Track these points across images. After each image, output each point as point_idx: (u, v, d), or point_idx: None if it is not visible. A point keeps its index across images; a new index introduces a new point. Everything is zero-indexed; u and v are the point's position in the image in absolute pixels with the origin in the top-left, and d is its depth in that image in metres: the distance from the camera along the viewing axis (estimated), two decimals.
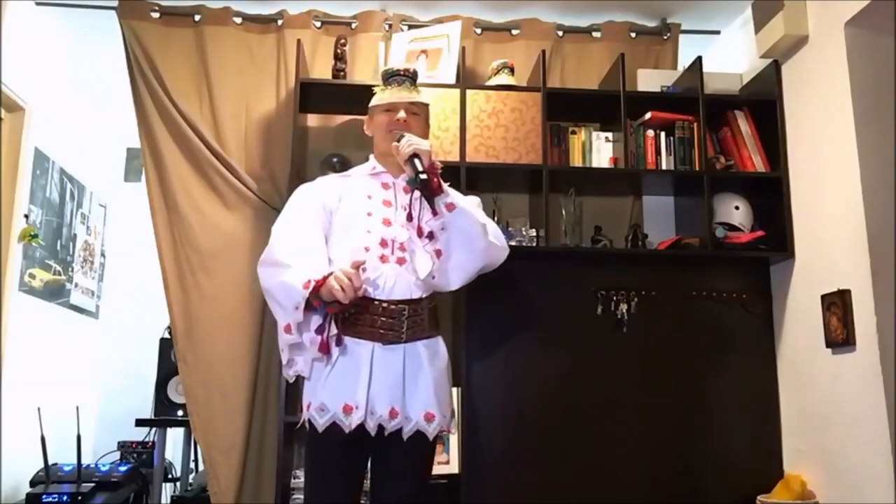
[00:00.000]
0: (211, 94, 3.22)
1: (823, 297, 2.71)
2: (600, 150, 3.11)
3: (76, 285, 3.98)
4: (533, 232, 3.01)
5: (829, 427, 2.70)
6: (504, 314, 3.00)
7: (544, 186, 2.94)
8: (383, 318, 2.00)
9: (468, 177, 2.93)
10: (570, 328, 3.01)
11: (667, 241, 3.09)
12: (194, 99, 3.21)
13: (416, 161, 1.97)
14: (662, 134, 3.10)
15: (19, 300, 3.33)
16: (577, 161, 3.11)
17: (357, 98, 2.86)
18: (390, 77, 2.22)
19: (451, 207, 1.99)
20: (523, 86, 3.16)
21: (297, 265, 1.96)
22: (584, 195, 3.20)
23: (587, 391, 2.97)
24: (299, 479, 2.81)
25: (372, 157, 2.25)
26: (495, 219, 3.08)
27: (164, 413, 3.28)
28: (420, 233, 2.03)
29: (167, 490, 3.52)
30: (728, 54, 3.51)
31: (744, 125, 3.13)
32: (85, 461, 3.20)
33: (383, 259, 2.03)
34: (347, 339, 1.99)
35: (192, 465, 3.59)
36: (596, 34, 3.47)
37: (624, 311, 3.01)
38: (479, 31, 3.44)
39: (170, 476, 3.57)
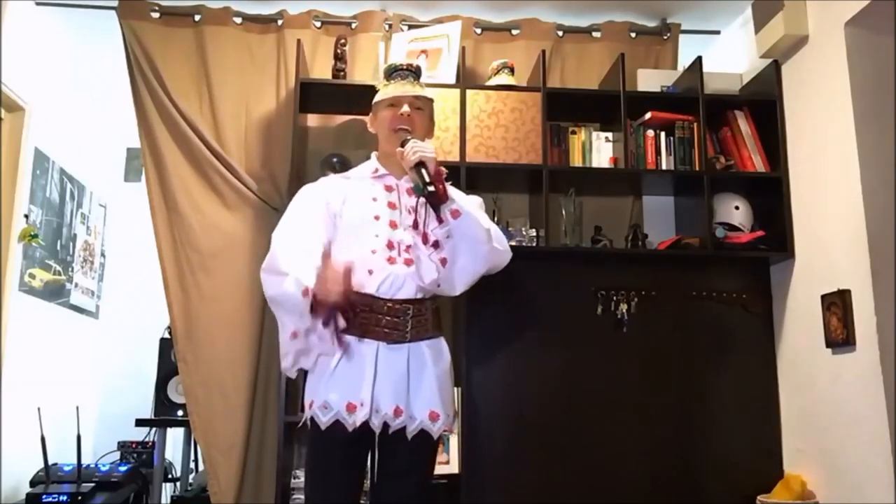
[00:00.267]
0: (211, 94, 3.22)
1: (823, 297, 2.71)
2: (600, 150, 3.11)
3: (76, 285, 3.98)
4: (533, 232, 3.01)
5: (829, 427, 2.70)
6: (504, 314, 3.00)
7: (544, 186, 2.95)
8: (388, 318, 2.00)
9: (468, 177, 2.93)
10: (570, 328, 3.01)
11: (667, 241, 3.09)
12: (194, 99, 3.21)
13: (423, 171, 1.96)
14: (662, 134, 3.10)
15: (19, 300, 3.33)
16: (577, 161, 3.11)
17: (357, 98, 2.88)
18: (393, 72, 2.20)
19: (456, 214, 1.99)
20: (523, 86, 3.16)
21: (296, 272, 1.92)
22: (584, 195, 3.20)
23: (587, 391, 2.97)
24: (299, 479, 2.81)
25: (374, 155, 2.23)
26: (495, 219, 3.08)
27: (164, 413, 3.28)
28: (426, 240, 2.02)
29: (167, 490, 3.52)
30: (728, 54, 3.51)
31: (744, 125, 3.13)
32: (85, 461, 3.20)
33: (391, 261, 2.02)
34: (352, 338, 1.99)
35: (192, 465, 3.59)
36: (596, 34, 3.47)
37: (624, 311, 3.01)
38: (479, 31, 3.44)
39: (170, 476, 3.57)
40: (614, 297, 3.02)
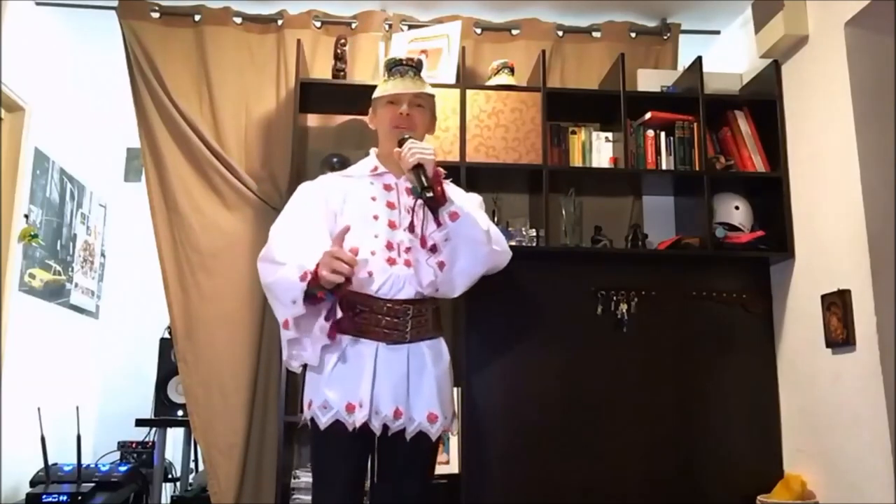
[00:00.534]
0: (211, 94, 3.22)
1: (823, 297, 2.71)
2: (600, 150, 3.11)
3: (76, 285, 3.98)
4: (533, 232, 3.01)
5: (829, 427, 2.70)
6: (504, 314, 3.00)
7: (544, 186, 2.95)
8: (388, 318, 1.99)
9: (468, 177, 2.93)
10: (570, 328, 3.01)
11: (667, 241, 3.09)
12: (194, 99, 3.21)
13: (421, 174, 1.92)
14: (662, 134, 3.10)
15: (19, 300, 3.33)
16: (577, 161, 3.11)
17: (357, 98, 2.88)
18: (394, 66, 2.16)
19: (454, 217, 1.95)
20: (523, 86, 3.16)
21: (294, 261, 1.92)
22: (584, 195, 3.20)
23: (587, 391, 2.97)
24: (299, 479, 2.81)
25: (373, 152, 2.21)
26: (495, 219, 3.08)
27: (164, 413, 3.28)
28: (423, 243, 1.98)
29: (167, 490, 3.53)
30: (728, 54, 3.51)
31: (744, 125, 3.13)
32: (85, 461, 3.20)
33: (391, 262, 2.01)
34: (352, 339, 1.98)
35: (192, 465, 3.59)
36: (596, 34, 3.47)
37: (624, 311, 3.01)
38: (479, 31, 3.44)
39: (170, 476, 3.57)
40: (614, 297, 3.02)
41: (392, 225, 2.06)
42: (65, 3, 3.36)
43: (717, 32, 3.57)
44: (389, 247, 2.03)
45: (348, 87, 3.08)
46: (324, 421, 1.95)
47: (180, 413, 3.23)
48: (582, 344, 3.00)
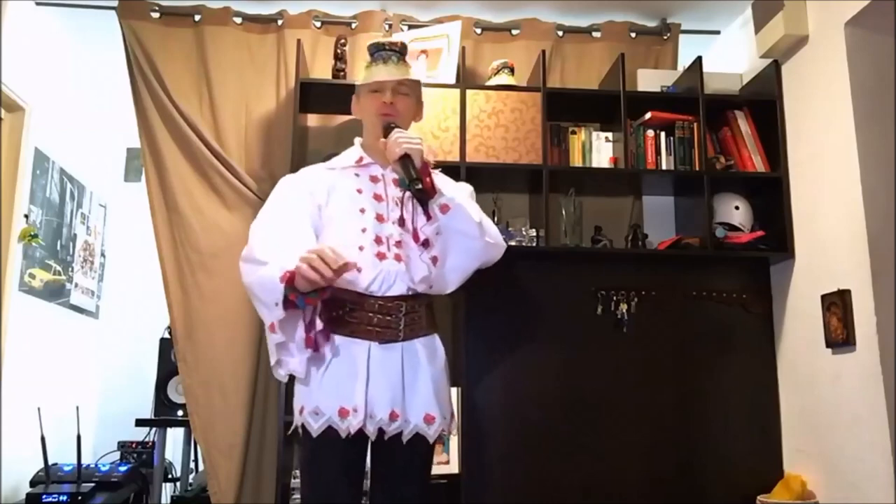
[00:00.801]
0: (211, 94, 3.22)
1: (823, 297, 2.71)
2: (600, 150, 3.11)
3: (76, 285, 3.98)
4: (533, 232, 3.01)
5: (829, 427, 2.70)
6: (504, 314, 3.00)
7: (544, 186, 2.95)
8: (379, 316, 1.90)
9: (468, 177, 2.92)
10: (570, 328, 3.01)
11: (667, 241, 3.09)
12: (194, 99, 3.21)
13: (409, 166, 1.83)
14: (662, 134, 3.10)
15: (19, 300, 3.33)
16: (577, 161, 3.11)
17: None
18: (375, 52, 2.04)
19: (445, 209, 1.87)
20: (523, 86, 3.16)
21: (275, 259, 1.80)
22: (584, 195, 3.20)
23: (587, 391, 2.97)
24: (299, 478, 2.81)
25: (357, 142, 2.12)
26: (495, 219, 3.08)
27: (164, 413, 3.28)
28: (416, 238, 1.89)
29: (167, 490, 3.52)
30: (728, 54, 3.51)
31: (744, 125, 3.13)
32: (85, 461, 3.20)
33: (380, 256, 1.91)
34: (342, 339, 1.89)
35: (192, 465, 3.59)
36: (596, 34, 3.47)
37: (624, 311, 3.01)
38: (479, 31, 3.44)
39: (170, 476, 3.57)
40: (614, 297, 3.02)
41: (380, 218, 1.96)
42: (65, 3, 3.36)
43: (717, 32, 3.57)
44: (378, 241, 1.93)
45: (348, 87, 3.04)
46: (315, 428, 1.85)
47: (180, 413, 3.23)
48: (582, 344, 3.00)
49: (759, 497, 2.83)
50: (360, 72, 2.08)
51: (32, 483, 3.08)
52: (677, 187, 3.26)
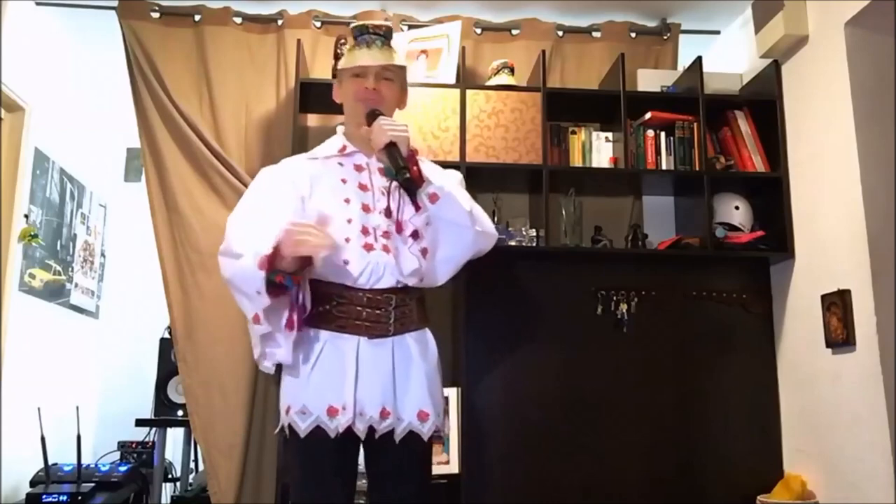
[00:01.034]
0: (211, 94, 3.22)
1: (823, 297, 2.71)
2: (600, 150, 3.11)
3: (76, 285, 3.98)
4: (533, 232, 3.01)
5: (829, 427, 2.70)
6: (504, 314, 3.00)
7: (544, 186, 2.95)
8: (368, 310, 1.81)
9: (468, 177, 2.92)
10: (570, 328, 3.01)
11: (667, 241, 3.09)
12: (194, 99, 3.21)
13: (396, 154, 1.76)
14: (662, 134, 3.10)
15: (19, 300, 3.33)
16: (577, 161, 3.11)
17: None
18: (359, 36, 1.95)
19: (434, 198, 1.80)
20: (523, 86, 3.16)
21: (250, 249, 1.72)
22: (584, 195, 3.20)
23: (587, 391, 2.97)
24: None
25: (339, 129, 2.05)
26: (495, 219, 3.08)
27: (164, 413, 3.28)
28: (399, 228, 1.83)
29: (167, 490, 3.52)
30: (728, 54, 3.51)
31: (744, 125, 3.13)
32: (85, 461, 3.20)
33: (368, 248, 1.83)
34: (330, 335, 1.81)
35: (192, 465, 3.58)
36: (596, 34, 3.47)
37: (624, 311, 3.01)
38: (479, 31, 3.44)
39: (170, 476, 3.57)
40: (614, 297, 3.02)
41: (366, 208, 1.87)
42: (65, 3, 3.36)
43: (717, 32, 3.57)
44: (365, 232, 1.84)
45: None
46: (303, 428, 1.76)
47: (180, 413, 3.23)
48: (582, 344, 3.00)
49: (759, 497, 2.83)
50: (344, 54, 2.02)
51: (32, 483, 3.08)
52: (677, 187, 3.26)
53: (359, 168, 1.95)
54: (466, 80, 3.12)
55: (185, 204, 3.10)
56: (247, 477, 3.02)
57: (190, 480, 3.54)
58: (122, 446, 3.72)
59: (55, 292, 3.73)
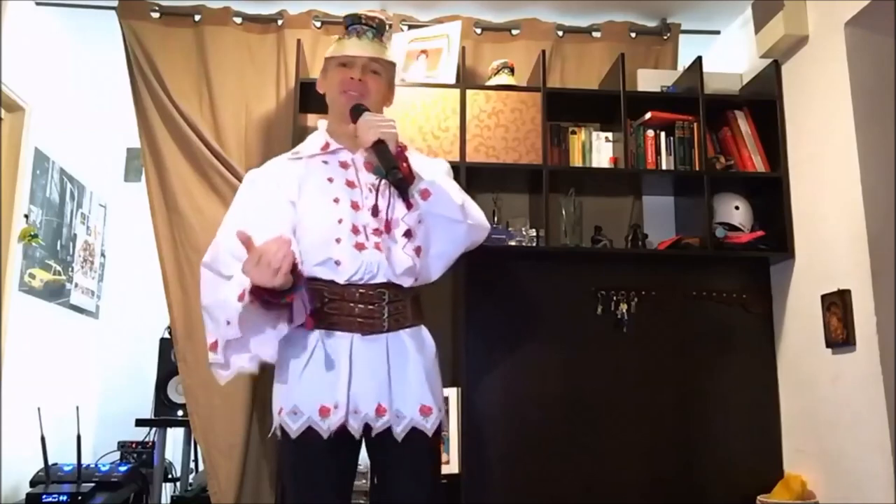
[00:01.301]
0: (211, 94, 3.21)
1: (823, 297, 2.71)
2: (600, 150, 3.11)
3: (76, 285, 3.98)
4: (533, 232, 3.01)
5: (829, 427, 2.70)
6: (504, 314, 3.00)
7: (544, 186, 2.94)
8: (361, 306, 1.75)
9: (468, 177, 2.93)
10: (570, 328, 3.01)
11: (667, 241, 3.09)
12: (194, 99, 3.21)
13: (385, 152, 1.70)
14: (662, 134, 3.10)
15: (19, 300, 3.33)
16: (577, 161, 3.11)
17: None
18: (350, 25, 1.89)
19: (426, 195, 1.75)
20: (523, 86, 3.16)
21: (238, 279, 1.62)
22: (584, 195, 3.20)
23: (587, 391, 2.97)
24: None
25: (322, 126, 1.97)
26: (495, 219, 3.08)
27: (164, 413, 3.28)
28: (388, 228, 1.77)
29: (167, 490, 3.52)
30: (728, 54, 3.51)
31: (744, 125, 3.13)
32: (85, 461, 3.20)
33: (359, 247, 1.76)
34: (322, 333, 1.75)
35: (192, 465, 3.58)
36: (596, 34, 3.46)
37: (624, 311, 3.01)
38: (479, 31, 3.43)
39: (170, 476, 3.57)
40: (614, 297, 3.02)
41: (355, 206, 1.80)
42: (65, 3, 3.36)
43: (717, 32, 3.57)
44: (355, 231, 1.77)
45: None
46: (294, 429, 1.71)
47: (180, 413, 3.23)
48: (582, 344, 3.00)
49: (759, 497, 2.83)
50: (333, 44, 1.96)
51: (32, 483, 3.08)
52: (677, 187, 3.26)
53: (344, 165, 1.89)
54: (466, 80, 3.12)
55: (185, 204, 3.10)
56: (247, 477, 3.02)
57: (190, 480, 3.54)
58: (122, 446, 3.72)
59: (55, 292, 3.73)
